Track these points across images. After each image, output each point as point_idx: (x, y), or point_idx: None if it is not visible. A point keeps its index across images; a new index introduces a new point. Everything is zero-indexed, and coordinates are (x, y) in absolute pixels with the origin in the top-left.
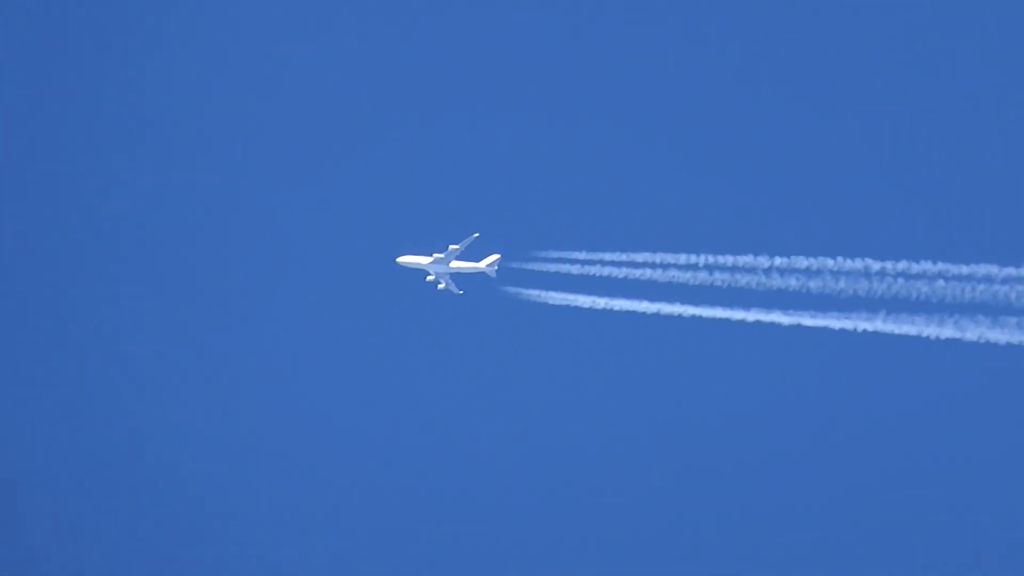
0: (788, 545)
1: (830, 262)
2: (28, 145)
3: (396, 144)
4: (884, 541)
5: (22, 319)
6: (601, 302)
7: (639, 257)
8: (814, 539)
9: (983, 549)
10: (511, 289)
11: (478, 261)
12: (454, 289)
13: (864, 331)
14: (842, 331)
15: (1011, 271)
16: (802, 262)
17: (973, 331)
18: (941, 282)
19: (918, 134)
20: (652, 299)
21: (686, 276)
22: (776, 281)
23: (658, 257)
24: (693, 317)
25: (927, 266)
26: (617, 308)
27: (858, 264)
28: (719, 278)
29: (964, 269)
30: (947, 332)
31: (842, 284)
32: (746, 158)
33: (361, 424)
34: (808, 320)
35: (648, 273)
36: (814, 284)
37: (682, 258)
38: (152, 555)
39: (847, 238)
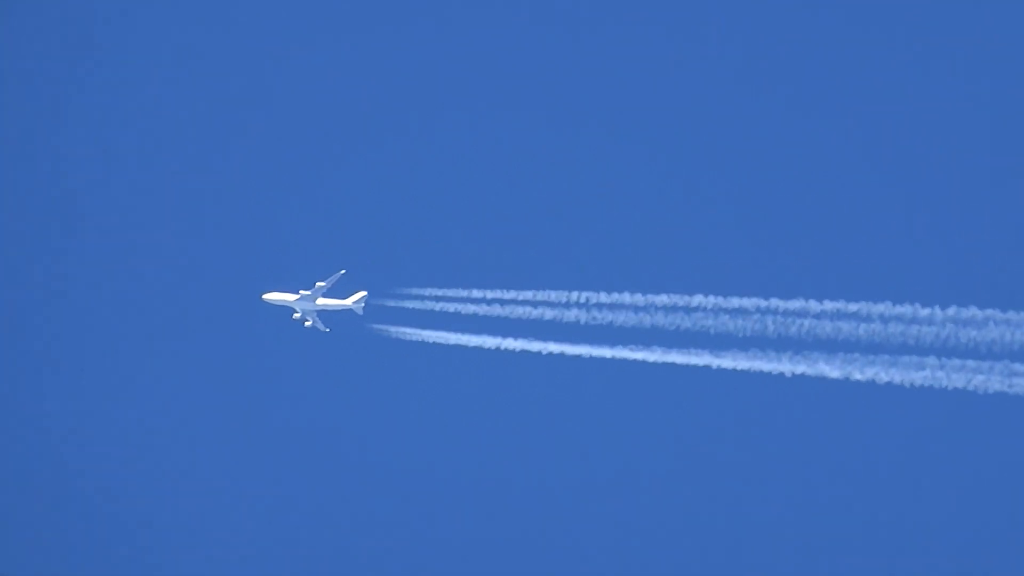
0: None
1: (658, 298)
2: (26, 148)
3: (262, 179)
4: None
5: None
6: (468, 339)
7: (505, 294)
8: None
9: None
10: (378, 326)
11: (345, 298)
12: (321, 327)
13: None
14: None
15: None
16: (663, 299)
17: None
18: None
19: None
20: (519, 336)
21: (558, 313)
22: (644, 318)
23: (527, 294)
24: (562, 354)
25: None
26: (485, 345)
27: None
28: (593, 316)
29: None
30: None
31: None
32: (623, 193)
33: (226, 465)
34: (659, 356)
35: (517, 310)
36: (669, 320)
37: (553, 295)
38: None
39: (715, 272)
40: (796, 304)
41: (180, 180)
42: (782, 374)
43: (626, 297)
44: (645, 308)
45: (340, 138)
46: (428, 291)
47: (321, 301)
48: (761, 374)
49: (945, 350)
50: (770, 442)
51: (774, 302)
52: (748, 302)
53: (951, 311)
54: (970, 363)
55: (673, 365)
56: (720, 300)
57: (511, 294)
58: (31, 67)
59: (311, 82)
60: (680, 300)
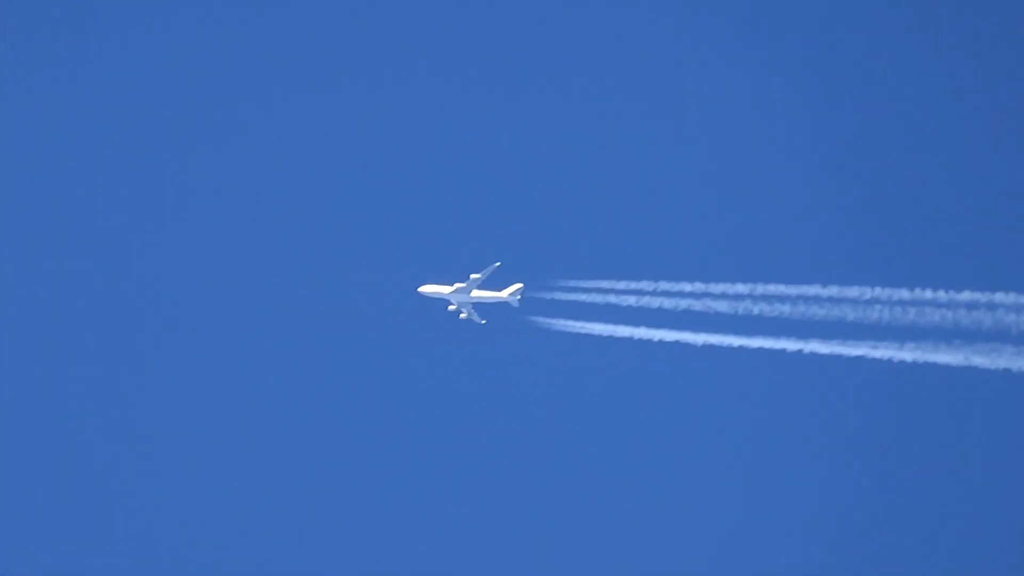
0: None
1: (826, 290)
2: (26, 153)
3: (418, 172)
4: None
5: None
6: (624, 331)
7: (662, 286)
8: None
9: None
10: (534, 318)
11: (500, 290)
12: (476, 319)
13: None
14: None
15: None
16: (817, 290)
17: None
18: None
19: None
20: (674, 327)
21: (708, 304)
22: (796, 309)
23: (682, 286)
24: (715, 346)
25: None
26: (640, 337)
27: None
28: (741, 306)
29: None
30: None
31: (844, 311)
32: (774, 184)
33: (385, 457)
34: (823, 347)
35: (671, 302)
36: (835, 312)
37: (704, 287)
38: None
39: (869, 266)
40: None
41: (335, 173)
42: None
43: (781, 288)
44: (801, 299)
45: (491, 130)
46: (584, 283)
47: (476, 293)
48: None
49: None
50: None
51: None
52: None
53: None
54: None
55: (838, 357)
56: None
57: (667, 285)
58: (31, 69)
59: (468, 79)
60: (840, 292)
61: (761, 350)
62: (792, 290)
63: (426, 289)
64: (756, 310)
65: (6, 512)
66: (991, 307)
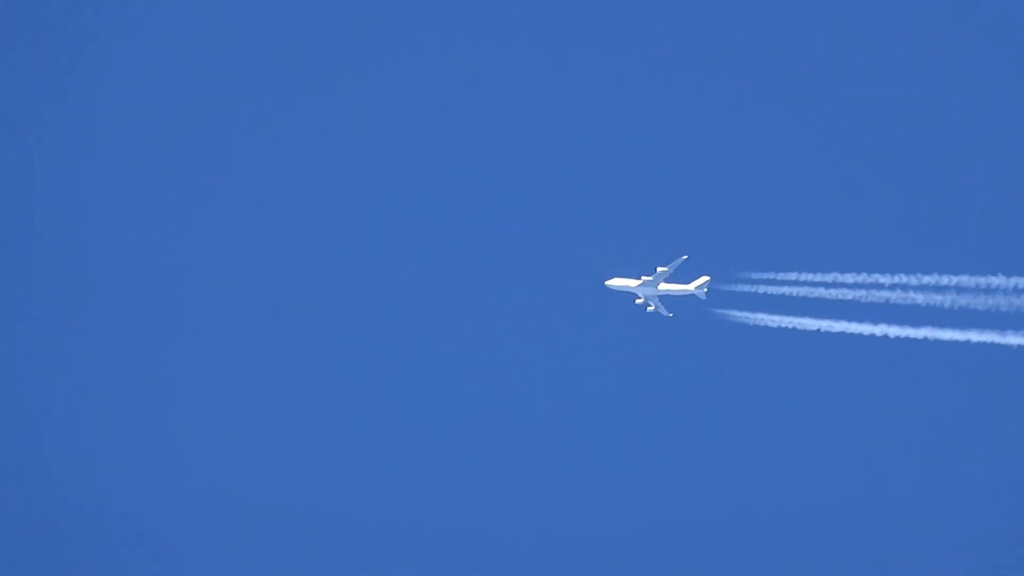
0: None
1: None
2: (29, 157)
3: (605, 166)
4: None
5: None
6: (812, 323)
7: (850, 277)
8: None
9: None
10: (721, 311)
11: (687, 283)
12: (664, 312)
13: None
14: None
15: None
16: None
17: None
18: None
19: None
20: (864, 320)
21: (898, 295)
22: (993, 300)
23: (871, 277)
24: (906, 338)
25: None
26: (830, 329)
27: None
28: (930, 298)
29: None
30: None
31: None
32: (953, 174)
33: (576, 447)
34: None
35: (860, 294)
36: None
37: (895, 278)
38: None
39: None
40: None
41: (532, 170)
42: None
43: (964, 279)
44: (987, 290)
45: (672, 127)
46: (771, 275)
47: (663, 286)
48: None
49: None
50: None
51: None
52: None
53: None
54: None
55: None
56: None
57: (855, 277)
58: (30, 72)
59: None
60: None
61: (950, 341)
62: (978, 281)
63: (614, 283)
64: (949, 300)
65: (7, 512)
66: None
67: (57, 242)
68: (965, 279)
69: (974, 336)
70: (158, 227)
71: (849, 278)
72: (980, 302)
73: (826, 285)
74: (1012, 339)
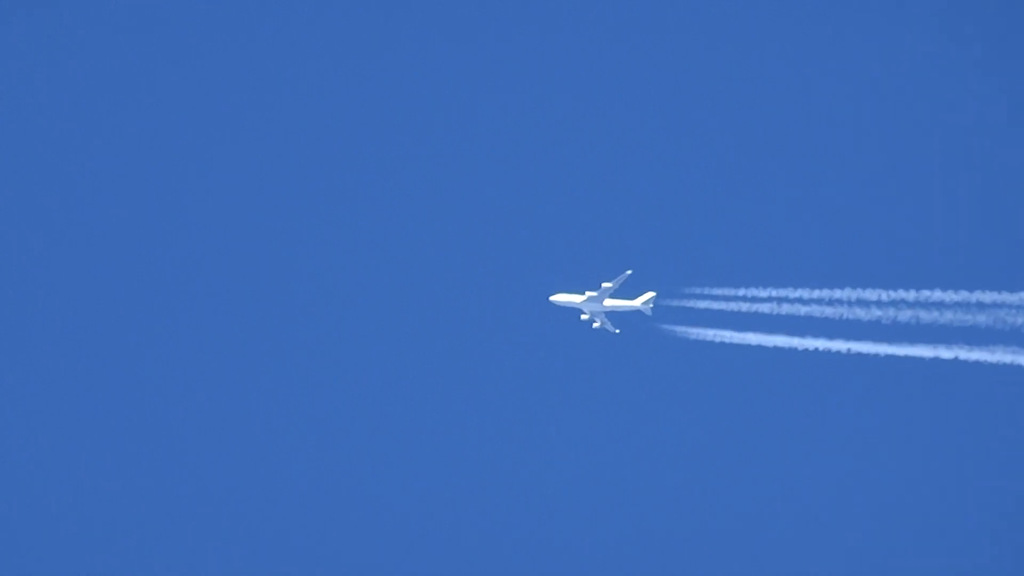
0: None
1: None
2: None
3: (547, 182)
4: None
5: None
6: (758, 338)
7: (791, 292)
8: None
9: None
10: (667, 327)
11: (633, 299)
12: (610, 328)
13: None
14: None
15: None
16: (950, 296)
17: None
18: None
19: None
20: (808, 335)
21: (838, 311)
22: (925, 315)
23: (816, 293)
24: (847, 352)
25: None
26: (772, 344)
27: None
28: (867, 312)
29: None
30: None
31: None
32: (893, 191)
33: (522, 465)
34: (962, 353)
35: (805, 309)
36: (963, 317)
37: (839, 293)
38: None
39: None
40: None
41: (469, 180)
42: None
43: (897, 294)
44: (920, 304)
45: (619, 138)
46: (716, 290)
47: (609, 302)
48: None
49: None
50: None
51: None
52: None
53: None
54: None
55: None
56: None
57: (800, 292)
58: (30, 73)
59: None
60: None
61: (893, 357)
62: (920, 295)
63: (558, 298)
64: (888, 315)
65: (9, 510)
66: None
67: (55, 242)
68: (905, 293)
69: (920, 351)
70: (155, 227)
71: (794, 293)
72: (923, 315)
73: (771, 300)
74: (949, 352)
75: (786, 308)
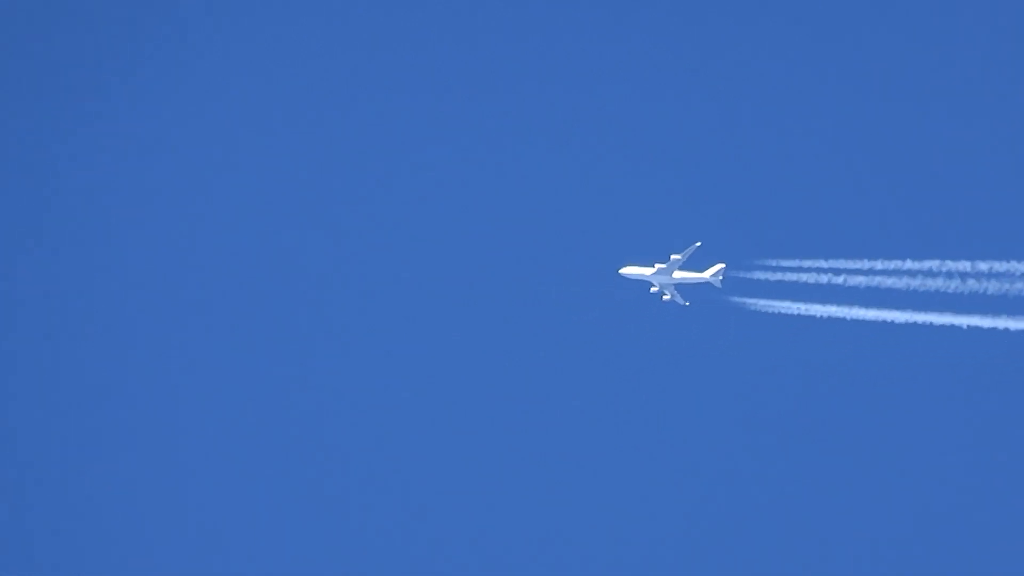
0: None
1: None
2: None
3: (614, 154)
4: None
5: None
6: (828, 310)
7: (864, 264)
8: None
9: None
10: (737, 299)
11: (702, 271)
12: (679, 300)
13: None
14: None
15: None
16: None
17: None
18: None
19: None
20: (878, 306)
21: (915, 282)
22: (1010, 286)
23: (887, 264)
24: (923, 324)
25: None
26: (845, 316)
27: None
28: (947, 284)
29: None
30: None
31: None
32: (969, 160)
33: (592, 437)
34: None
35: (873, 280)
36: None
37: (907, 264)
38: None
39: None
40: None
41: (542, 160)
42: None
43: (976, 265)
44: (1000, 275)
45: (684, 112)
46: (786, 262)
47: (678, 274)
48: None
49: None
50: None
51: None
52: None
53: None
54: None
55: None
56: None
57: (869, 263)
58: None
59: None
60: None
61: (969, 328)
62: (995, 266)
63: (628, 271)
64: (968, 286)
65: (11, 509)
66: None
67: (55, 241)
68: (978, 264)
69: (987, 322)
70: (151, 225)
71: (863, 264)
72: (991, 287)
73: (841, 271)
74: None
75: (854, 279)
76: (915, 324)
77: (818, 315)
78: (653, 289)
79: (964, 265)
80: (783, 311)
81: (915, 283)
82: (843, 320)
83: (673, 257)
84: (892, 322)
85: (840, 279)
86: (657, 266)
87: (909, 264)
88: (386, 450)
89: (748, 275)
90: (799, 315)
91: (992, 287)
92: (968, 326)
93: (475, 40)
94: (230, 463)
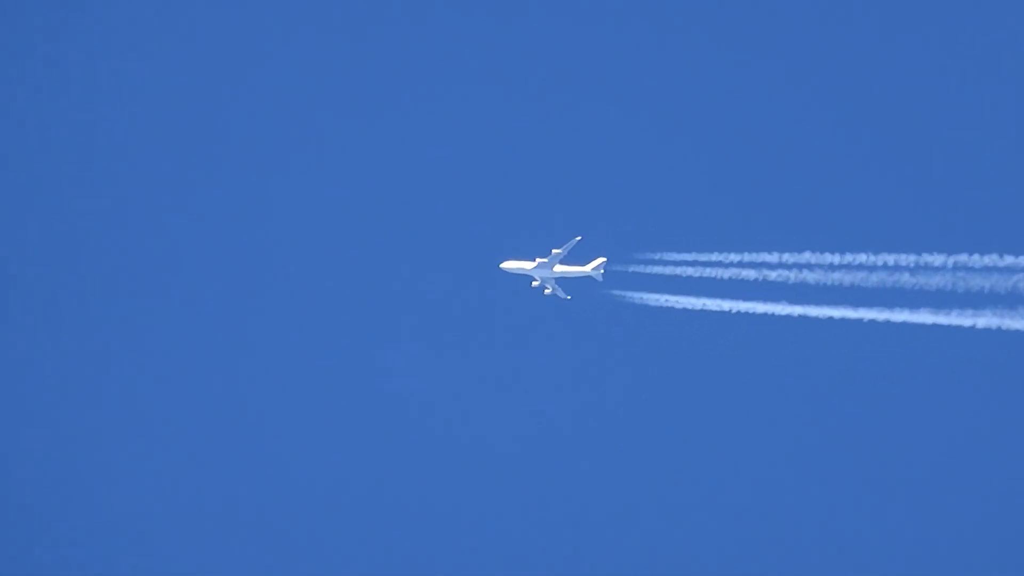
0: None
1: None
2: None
3: (495, 147)
4: None
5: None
6: (709, 303)
7: (743, 257)
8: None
9: None
10: (619, 292)
11: (583, 265)
12: (561, 294)
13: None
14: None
15: None
16: (906, 259)
17: None
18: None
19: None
20: (761, 299)
21: (792, 275)
22: (876, 278)
23: (766, 257)
24: (799, 317)
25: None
26: (725, 309)
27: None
28: (824, 277)
29: None
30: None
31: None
32: (849, 155)
33: (472, 432)
34: (910, 316)
35: (757, 273)
36: (922, 280)
37: (786, 257)
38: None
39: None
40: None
41: (424, 150)
42: None
43: (861, 257)
44: (878, 268)
45: (570, 103)
46: (666, 255)
47: (559, 268)
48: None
49: None
50: None
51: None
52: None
53: None
54: None
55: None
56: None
57: (750, 256)
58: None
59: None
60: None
61: (842, 320)
62: (869, 259)
63: (509, 265)
64: (839, 279)
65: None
66: None
67: (53, 241)
68: (854, 257)
69: (873, 314)
70: (146, 224)
71: (746, 257)
72: (866, 279)
73: (723, 265)
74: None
75: (736, 272)
76: (797, 317)
77: (699, 308)
78: (534, 283)
79: (837, 258)
80: (664, 304)
81: (794, 276)
82: (725, 313)
83: (554, 251)
84: (774, 315)
85: (724, 273)
86: (538, 260)
87: (788, 257)
88: (386, 450)
89: (629, 268)
90: (681, 308)
91: (867, 279)
92: (840, 317)
93: None
94: (230, 463)
